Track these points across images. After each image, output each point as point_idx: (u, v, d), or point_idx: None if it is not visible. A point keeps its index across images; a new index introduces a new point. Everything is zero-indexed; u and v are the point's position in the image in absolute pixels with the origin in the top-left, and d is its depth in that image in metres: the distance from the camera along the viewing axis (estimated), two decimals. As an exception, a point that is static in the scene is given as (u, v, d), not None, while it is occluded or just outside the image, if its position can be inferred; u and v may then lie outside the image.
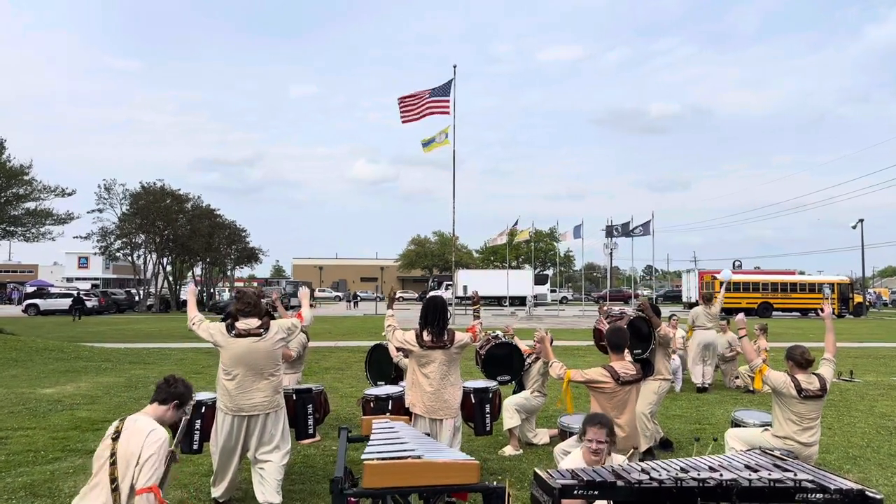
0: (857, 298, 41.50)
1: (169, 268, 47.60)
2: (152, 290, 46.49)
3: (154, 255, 45.50)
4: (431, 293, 6.40)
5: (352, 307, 49.86)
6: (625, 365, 5.12)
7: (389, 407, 5.81)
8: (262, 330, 4.90)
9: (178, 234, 43.53)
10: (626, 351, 5.27)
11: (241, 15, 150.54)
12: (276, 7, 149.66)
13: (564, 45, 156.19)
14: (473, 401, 5.98)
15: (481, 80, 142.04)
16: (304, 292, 5.87)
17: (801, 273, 48.38)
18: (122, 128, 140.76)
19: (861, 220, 44.83)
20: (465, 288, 48.00)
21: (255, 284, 52.23)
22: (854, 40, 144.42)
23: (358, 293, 57.40)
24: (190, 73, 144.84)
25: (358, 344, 18.24)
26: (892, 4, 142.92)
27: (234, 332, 4.85)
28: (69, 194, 32.86)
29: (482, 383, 6.39)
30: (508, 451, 6.83)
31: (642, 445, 6.76)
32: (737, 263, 61.02)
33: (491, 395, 6.13)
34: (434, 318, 5.11)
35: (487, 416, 6.03)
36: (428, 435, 4.08)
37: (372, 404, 5.97)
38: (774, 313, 40.12)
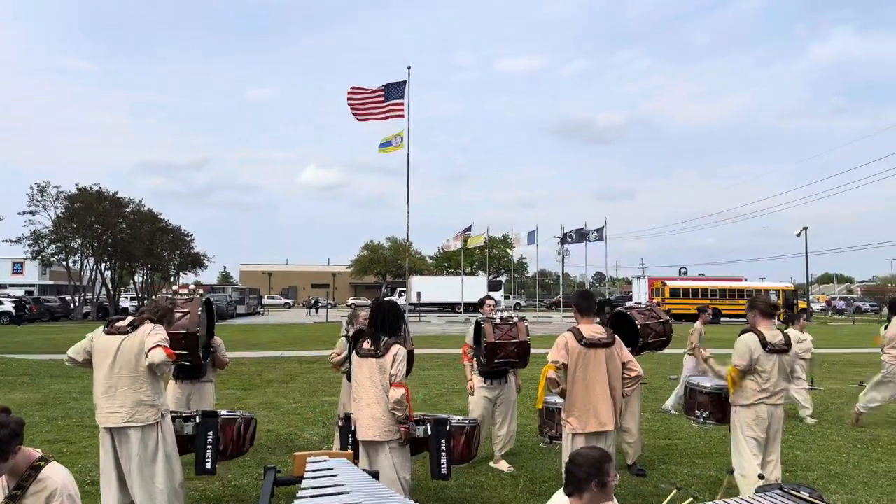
0: (801, 304, 42.45)
1: (108, 274, 45.33)
2: (90, 297, 44.20)
3: (91, 261, 43.25)
4: (385, 299, 5.63)
5: (313, 314, 48.27)
6: (592, 328, 4.67)
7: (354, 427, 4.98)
8: (129, 328, 4.26)
9: (117, 238, 41.48)
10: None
11: (198, 17, 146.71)
12: (236, 10, 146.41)
13: (526, 55, 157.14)
14: (430, 433, 4.82)
15: (441, 88, 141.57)
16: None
17: (745, 280, 49.38)
18: (71, 130, 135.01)
19: (805, 229, 45.93)
20: (419, 294, 47.33)
21: (201, 291, 50.34)
22: (799, 57, 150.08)
23: (319, 299, 55.73)
24: (143, 74, 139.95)
25: (306, 354, 17.30)
26: (835, 23, 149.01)
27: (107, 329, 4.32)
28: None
29: (443, 416, 5.23)
30: (503, 465, 6.31)
31: (630, 457, 6.22)
32: (682, 270, 62.11)
33: (450, 430, 4.82)
34: (375, 324, 4.50)
35: (443, 454, 4.73)
36: (374, 475, 3.34)
37: (340, 423, 5.20)
38: (722, 319, 40.70)
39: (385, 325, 4.49)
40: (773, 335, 4.96)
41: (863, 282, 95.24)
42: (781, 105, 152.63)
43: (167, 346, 4.19)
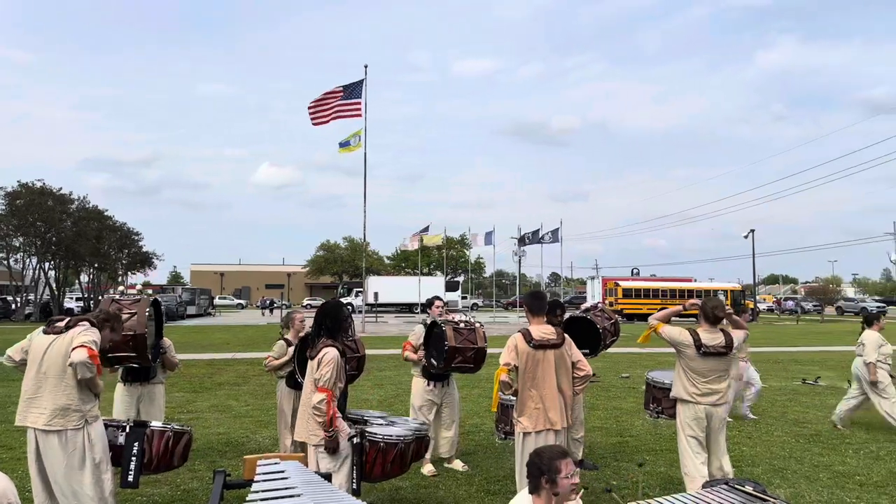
0: (749, 304, 43.77)
1: (52, 273, 43.67)
2: (33, 297, 42.51)
3: (34, 260, 41.61)
4: (329, 301, 5.50)
5: (268, 314, 47.43)
6: (542, 328, 4.71)
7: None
8: (64, 328, 4.11)
9: (61, 237, 39.99)
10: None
11: (148, 10, 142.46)
12: (188, 3, 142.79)
13: (482, 57, 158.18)
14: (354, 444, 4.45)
15: (398, 88, 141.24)
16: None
17: (695, 280, 50.69)
18: (12, 124, 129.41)
19: (752, 231, 47.45)
20: (375, 294, 47.03)
21: (149, 291, 49.00)
22: (747, 64, 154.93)
23: (274, 300, 54.67)
24: (88, 67, 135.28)
25: (259, 355, 16.99)
26: (781, 32, 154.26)
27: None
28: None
29: (381, 421, 4.97)
30: (458, 464, 6.31)
31: (578, 453, 6.32)
32: (635, 271, 63.46)
33: (362, 446, 4.43)
34: (317, 327, 4.41)
35: (353, 468, 4.35)
36: (326, 476, 3.29)
37: None
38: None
39: (321, 326, 4.38)
40: (712, 338, 5.01)
41: (806, 282, 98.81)
42: (728, 110, 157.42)
43: (94, 348, 3.96)
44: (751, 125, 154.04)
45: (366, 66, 26.41)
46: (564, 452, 3.07)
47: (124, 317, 5.32)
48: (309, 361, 4.32)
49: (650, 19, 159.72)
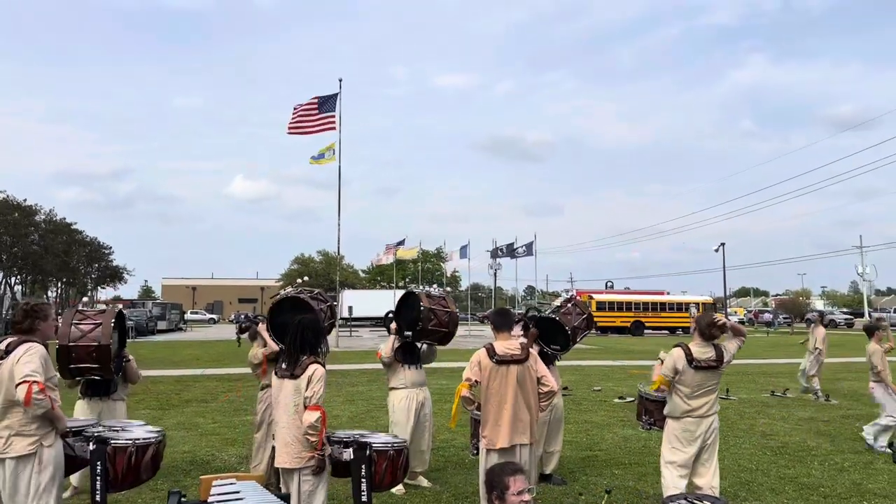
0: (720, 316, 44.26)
1: (18, 288, 42.71)
2: (-3, 312, 41.51)
3: (0, 275, 40.70)
4: (306, 315, 5.38)
5: (243, 337, 46.51)
6: (506, 344, 4.72)
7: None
8: (4, 353, 3.84)
9: (28, 251, 39.20)
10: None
11: (122, 22, 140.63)
12: (163, 15, 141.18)
13: (459, 72, 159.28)
14: (353, 457, 4.50)
15: (375, 102, 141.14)
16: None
17: (668, 293, 51.25)
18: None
19: (723, 244, 48.19)
20: (350, 308, 46.70)
21: (120, 306, 48.09)
22: (718, 82, 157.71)
23: (247, 314, 53.63)
24: (61, 78, 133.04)
25: (228, 372, 16.74)
26: (751, 51, 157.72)
27: None
28: None
29: (374, 437, 4.84)
30: (423, 481, 6.24)
31: (548, 467, 6.31)
32: (609, 284, 64.00)
33: (370, 455, 4.49)
34: (293, 343, 4.21)
35: (363, 480, 4.43)
36: (285, 498, 3.23)
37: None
38: (646, 331, 42.03)
39: (303, 343, 4.18)
40: (703, 352, 5.05)
41: (776, 295, 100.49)
42: (699, 127, 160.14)
43: (38, 378, 3.68)
44: (720, 141, 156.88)
45: (340, 80, 26.50)
46: (516, 469, 3.07)
47: (88, 327, 5.20)
48: (286, 380, 4.10)
49: (623, 37, 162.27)
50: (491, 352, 4.68)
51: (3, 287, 41.09)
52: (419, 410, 6.30)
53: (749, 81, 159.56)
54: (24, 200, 40.25)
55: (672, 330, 41.90)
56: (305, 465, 3.99)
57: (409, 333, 6.16)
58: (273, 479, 5.49)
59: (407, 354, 6.36)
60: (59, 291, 47.90)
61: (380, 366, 6.69)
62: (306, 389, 4.01)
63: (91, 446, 4.27)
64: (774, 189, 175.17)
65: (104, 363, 5.11)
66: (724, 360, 5.06)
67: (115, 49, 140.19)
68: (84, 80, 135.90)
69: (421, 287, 6.95)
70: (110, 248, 48.75)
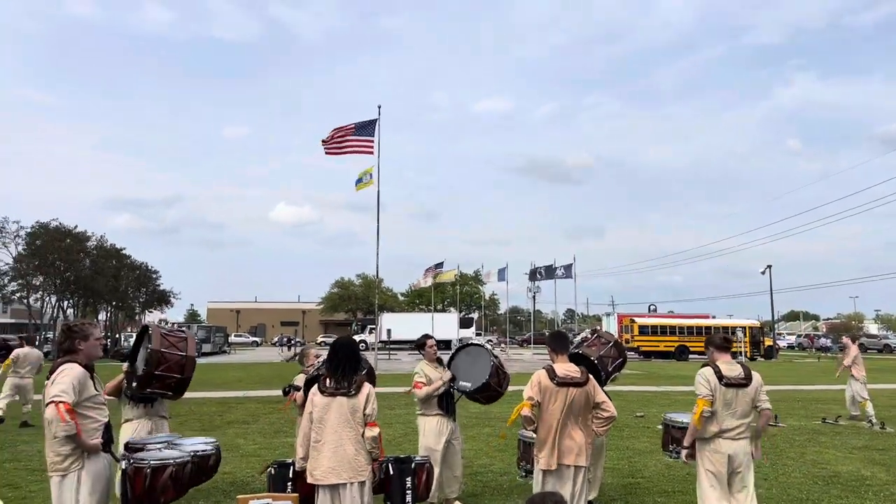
0: (767, 341, 43.02)
1: (71, 311, 44.12)
2: (52, 335, 42.91)
3: (53, 298, 42.11)
4: (342, 337, 5.52)
5: (286, 351, 47.17)
6: (566, 366, 4.72)
7: (291, 475, 4.85)
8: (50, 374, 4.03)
9: (80, 275, 40.49)
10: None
11: (174, 56, 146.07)
12: (211, 50, 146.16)
13: (499, 96, 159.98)
14: (392, 472, 4.92)
15: (415, 128, 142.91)
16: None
17: (713, 317, 49.97)
18: (32, 163, 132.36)
19: (769, 266, 46.92)
20: (388, 331, 46.88)
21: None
22: (763, 102, 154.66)
23: (291, 337, 54.40)
24: (114, 110, 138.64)
25: (270, 394, 16.95)
26: (798, 69, 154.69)
27: None
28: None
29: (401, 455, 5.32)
30: None
31: (592, 492, 6.18)
32: (652, 308, 62.78)
33: (414, 467, 5.00)
34: (339, 363, 4.44)
35: (408, 492, 4.87)
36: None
37: (272, 471, 5.00)
38: (691, 356, 41.02)
39: (349, 363, 4.46)
40: (731, 369, 5.01)
41: (828, 318, 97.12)
42: (743, 147, 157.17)
43: (64, 399, 3.76)
44: (765, 161, 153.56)
45: (379, 107, 26.88)
46: (558, 500, 3.02)
47: (176, 339, 5.33)
48: (340, 398, 4.30)
49: (665, 59, 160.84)
50: (551, 373, 4.67)
51: (56, 311, 42.53)
52: (450, 435, 6.28)
53: (795, 100, 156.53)
54: (75, 227, 41.79)
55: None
56: (367, 477, 4.25)
57: (469, 388, 6.22)
58: None
59: (442, 400, 6.28)
60: (108, 314, 49.26)
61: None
62: (366, 407, 4.30)
63: (123, 464, 4.34)
64: (822, 209, 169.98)
65: (187, 375, 5.31)
66: (752, 378, 4.99)
67: (168, 82, 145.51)
68: (134, 109, 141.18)
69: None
70: (158, 272, 50.05)
